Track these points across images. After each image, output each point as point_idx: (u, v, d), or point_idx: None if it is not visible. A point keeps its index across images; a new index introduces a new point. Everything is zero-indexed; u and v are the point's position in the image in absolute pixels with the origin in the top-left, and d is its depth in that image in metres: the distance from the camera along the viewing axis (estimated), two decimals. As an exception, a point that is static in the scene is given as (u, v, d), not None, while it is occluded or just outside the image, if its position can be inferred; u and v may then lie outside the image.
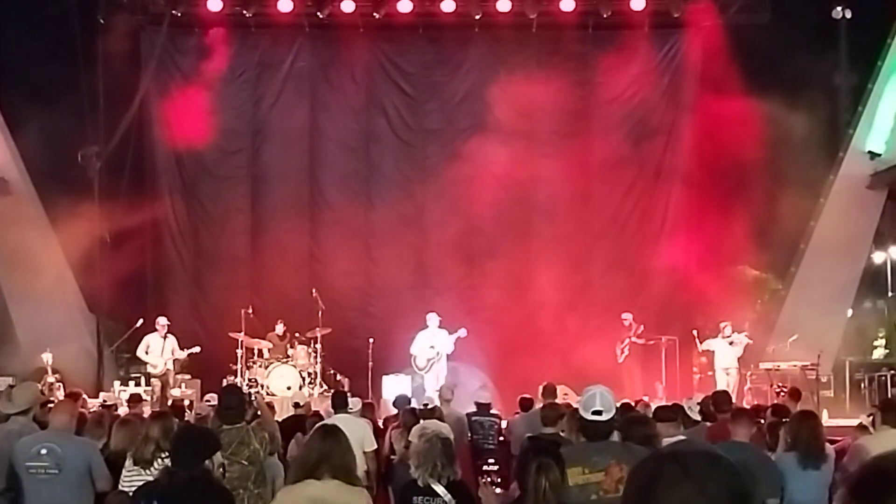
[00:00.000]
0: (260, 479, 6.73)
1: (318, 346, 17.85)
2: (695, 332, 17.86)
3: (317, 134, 20.93)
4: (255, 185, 20.85)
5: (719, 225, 18.62)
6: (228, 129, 20.59)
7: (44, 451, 6.90)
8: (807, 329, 17.87)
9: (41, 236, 18.31)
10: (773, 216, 18.27)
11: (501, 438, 11.96)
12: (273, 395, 16.43)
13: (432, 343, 17.59)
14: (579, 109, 20.47)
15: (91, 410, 10.79)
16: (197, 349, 17.42)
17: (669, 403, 9.66)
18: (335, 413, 9.80)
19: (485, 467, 6.03)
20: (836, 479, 7.16)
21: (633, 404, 11.08)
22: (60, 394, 15.08)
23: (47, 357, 16.55)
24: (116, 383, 17.60)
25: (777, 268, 19.13)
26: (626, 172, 20.31)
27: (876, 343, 18.40)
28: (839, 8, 19.86)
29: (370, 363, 18.03)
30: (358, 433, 8.43)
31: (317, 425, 6.09)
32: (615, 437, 5.69)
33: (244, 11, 20.01)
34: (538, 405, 10.88)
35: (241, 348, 17.72)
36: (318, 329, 17.82)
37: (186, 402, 14.22)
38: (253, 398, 8.80)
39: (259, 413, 7.99)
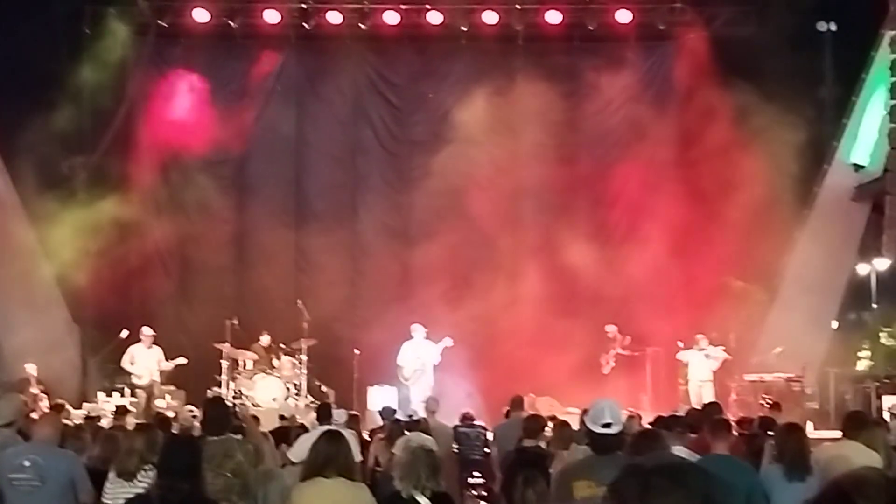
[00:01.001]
0: (244, 491, 6.68)
1: (304, 357, 17.81)
2: (680, 344, 17.90)
3: (303, 145, 20.93)
4: (240, 195, 20.79)
5: (704, 236, 18.68)
6: (214, 139, 20.50)
7: (27, 464, 6.87)
8: (791, 341, 17.95)
9: (25, 246, 18.22)
10: (758, 227, 18.34)
11: (487, 450, 11.94)
12: (258, 406, 16.38)
13: (418, 354, 17.58)
14: (565, 121, 20.48)
15: (74, 423, 10.74)
16: (183, 360, 17.34)
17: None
18: (320, 424, 9.76)
19: (470, 479, 6.04)
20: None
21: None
22: (45, 405, 15.04)
23: (31, 368, 16.47)
24: (101, 394, 17.51)
25: (762, 279, 19.17)
26: (612, 183, 20.35)
27: (860, 355, 18.44)
28: (824, 21, 19.94)
29: (355, 374, 18.02)
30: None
31: (322, 430, 6.88)
32: None
33: (231, 22, 20.02)
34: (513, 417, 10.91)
35: (227, 359, 17.66)
36: (303, 340, 17.78)
37: (171, 414, 14.15)
38: (237, 410, 8.78)
39: (244, 425, 7.96)
